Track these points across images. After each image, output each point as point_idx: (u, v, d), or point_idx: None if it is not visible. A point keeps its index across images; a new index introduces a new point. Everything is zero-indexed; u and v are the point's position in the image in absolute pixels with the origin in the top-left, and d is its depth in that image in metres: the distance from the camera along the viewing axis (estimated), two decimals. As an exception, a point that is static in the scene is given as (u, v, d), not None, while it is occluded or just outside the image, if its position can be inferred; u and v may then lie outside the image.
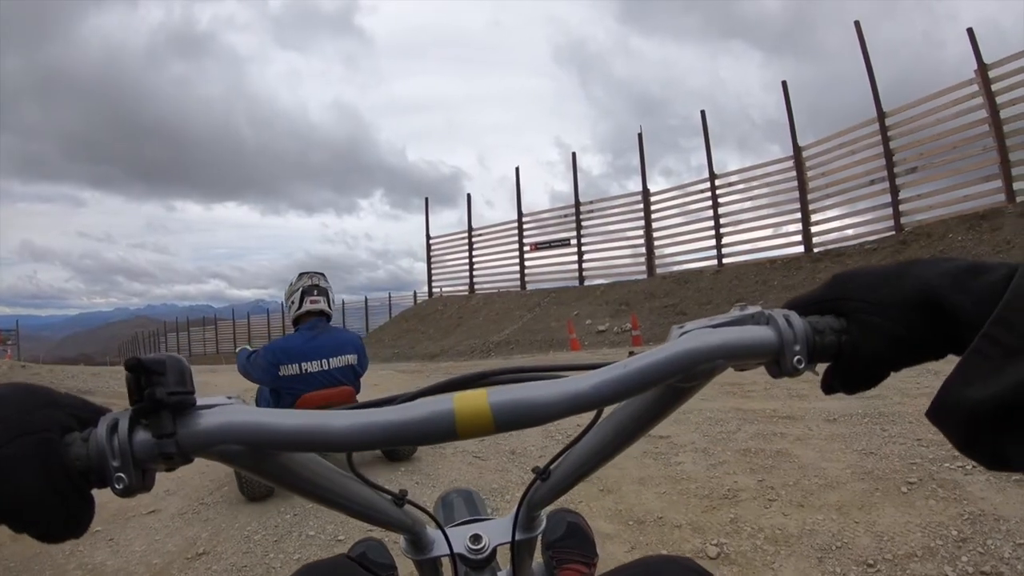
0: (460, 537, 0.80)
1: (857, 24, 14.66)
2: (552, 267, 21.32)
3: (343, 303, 35.10)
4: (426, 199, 25.65)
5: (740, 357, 0.46)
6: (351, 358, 3.87)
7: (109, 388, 9.25)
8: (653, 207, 19.21)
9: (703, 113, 18.10)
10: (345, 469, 0.62)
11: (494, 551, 0.80)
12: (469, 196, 24.07)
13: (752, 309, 0.49)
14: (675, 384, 0.49)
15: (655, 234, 19.05)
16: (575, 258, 20.60)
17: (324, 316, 3.92)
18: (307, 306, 3.87)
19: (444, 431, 0.43)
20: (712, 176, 17.60)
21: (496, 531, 0.81)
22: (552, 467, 0.70)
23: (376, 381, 10.33)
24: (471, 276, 23.47)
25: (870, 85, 14.26)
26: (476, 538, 0.79)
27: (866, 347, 0.45)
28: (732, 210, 17.49)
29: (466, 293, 23.24)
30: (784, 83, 16.11)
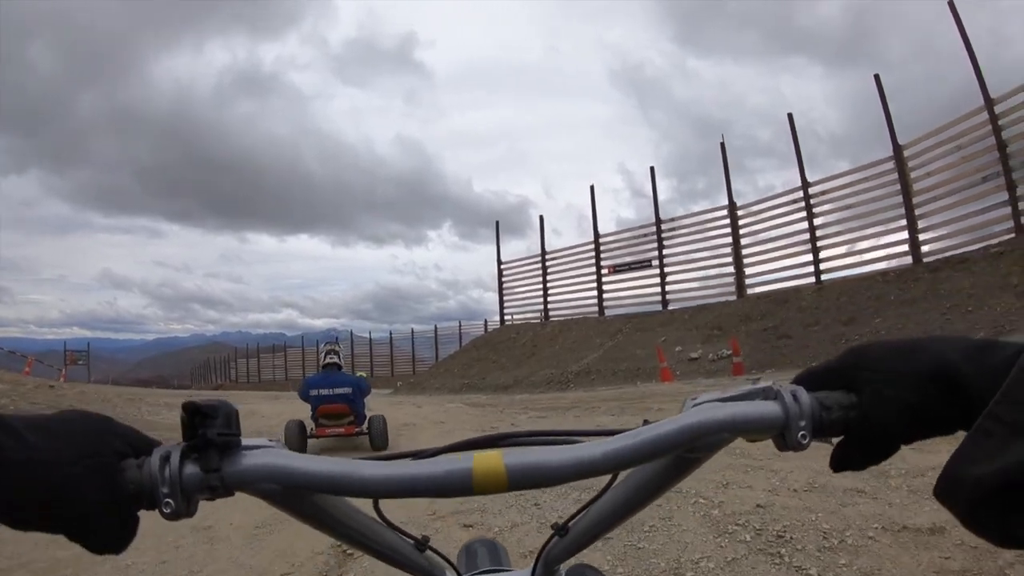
0: None
1: (952, 5, 13.05)
2: (632, 291, 19.93)
3: (412, 332, 35.14)
4: (496, 223, 24.65)
5: (746, 431, 0.48)
6: (346, 389, 6.85)
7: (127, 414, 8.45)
8: (741, 221, 17.67)
9: (791, 116, 16.74)
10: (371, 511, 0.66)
11: None
12: (541, 218, 22.93)
13: (763, 383, 0.50)
14: (683, 454, 0.52)
15: (744, 251, 17.50)
16: (657, 280, 19.16)
17: (336, 366, 7.11)
18: (325, 360, 7.12)
19: (461, 487, 0.47)
20: (805, 184, 16.03)
21: None
22: (571, 524, 0.71)
23: (442, 418, 9.60)
24: (545, 302, 22.22)
25: (973, 70, 12.55)
26: None
27: (876, 418, 0.45)
28: (828, 221, 15.92)
29: (540, 320, 22.00)
30: (877, 76, 14.60)
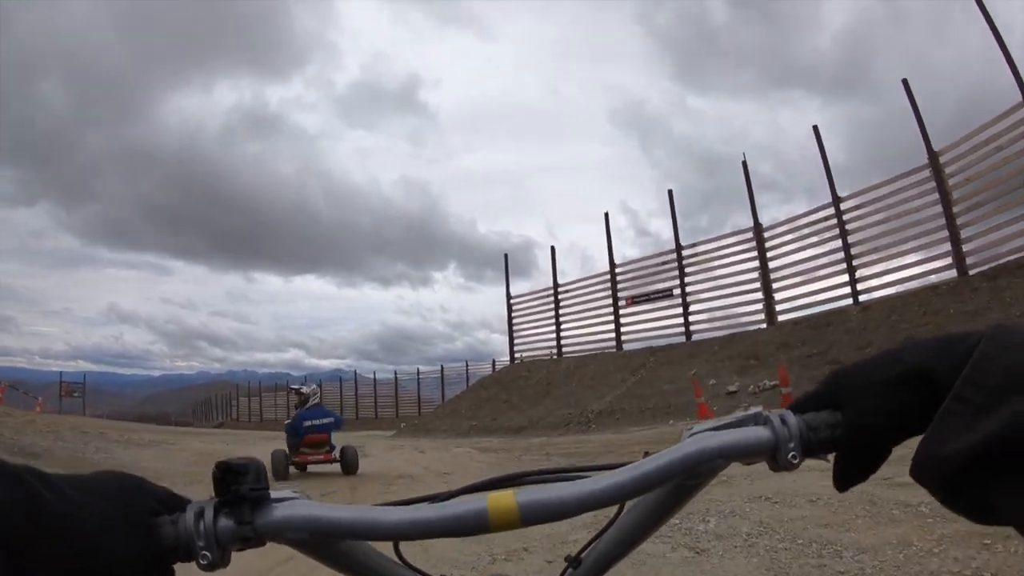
0: None
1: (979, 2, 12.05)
2: (653, 323, 18.52)
3: (418, 371, 33.79)
4: (505, 255, 23.43)
5: (738, 456, 0.51)
6: (329, 420, 8.60)
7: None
8: (769, 243, 16.36)
9: (816, 129, 15.61)
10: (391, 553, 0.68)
11: None
12: (553, 249, 21.60)
13: (753, 410, 0.52)
14: (683, 482, 0.55)
15: (773, 275, 16.15)
16: (679, 311, 17.77)
17: (319, 405, 9.08)
18: (311, 401, 8.93)
19: (478, 527, 0.50)
20: (836, 200, 14.81)
21: None
22: (583, 555, 0.71)
23: (448, 467, 8.34)
24: (558, 338, 20.74)
25: (1007, 64, 11.50)
26: None
27: (860, 430, 0.48)
28: (863, 238, 14.64)
29: (553, 357, 20.52)
30: (905, 81, 13.56)
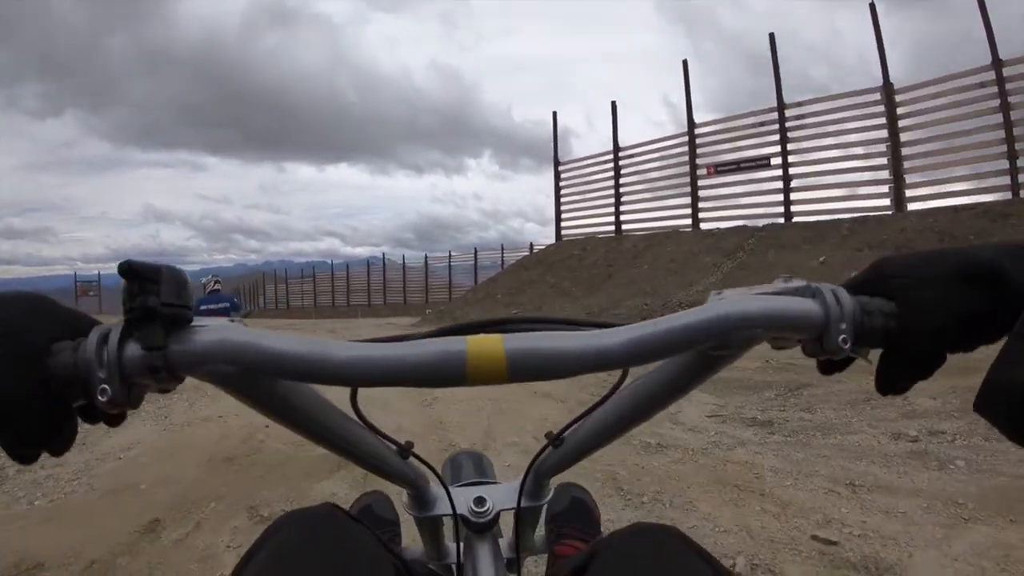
0: (464, 498, 0.76)
1: None
2: (742, 198, 14.68)
3: (450, 255, 30.94)
4: (554, 113, 19.24)
5: (781, 328, 0.44)
6: (223, 305, 8.37)
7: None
8: (901, 108, 12.24)
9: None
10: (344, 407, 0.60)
11: (497, 515, 0.76)
12: (614, 105, 17.41)
13: (797, 282, 0.46)
14: (707, 351, 0.48)
15: (906, 150, 12.13)
16: (779, 185, 13.88)
17: (217, 291, 8.83)
18: (211, 287, 8.80)
19: (453, 374, 0.41)
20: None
21: (501, 495, 0.78)
22: (566, 434, 0.66)
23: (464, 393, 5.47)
24: (617, 212, 16.93)
25: None
26: (480, 500, 0.76)
27: (917, 325, 0.42)
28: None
29: (612, 235, 16.80)
30: None
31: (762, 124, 14.39)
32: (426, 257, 32.03)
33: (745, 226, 13.58)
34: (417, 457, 0.70)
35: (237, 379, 0.44)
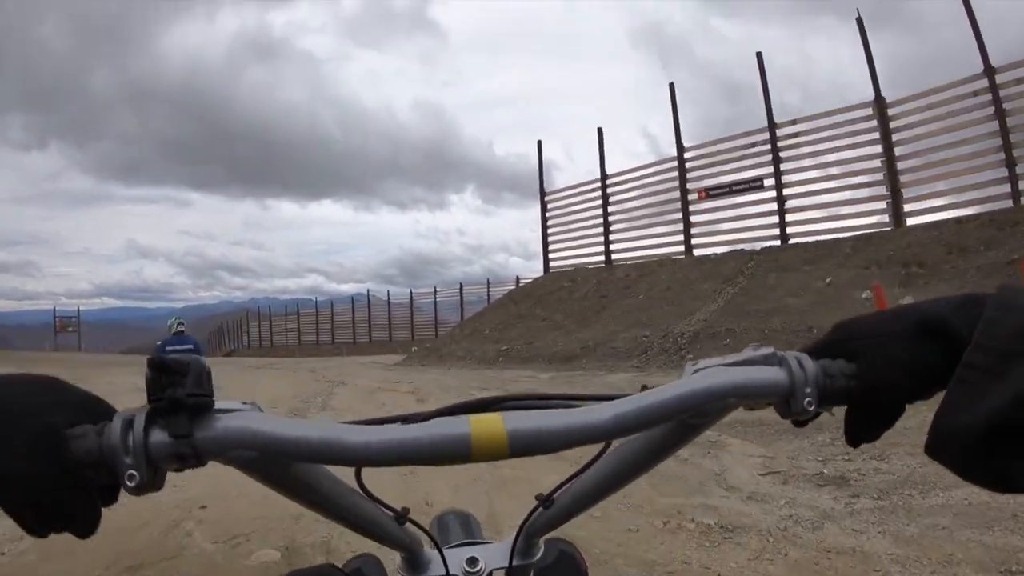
0: (457, 559, 0.77)
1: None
2: (734, 222, 14.14)
3: (435, 290, 30.17)
4: (539, 142, 18.74)
5: (752, 397, 0.47)
6: (187, 346, 8.37)
7: None
8: (894, 121, 11.86)
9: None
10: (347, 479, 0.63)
11: (490, 575, 0.78)
12: (600, 132, 16.91)
13: (765, 350, 0.49)
14: (687, 420, 0.51)
15: (901, 164, 11.72)
16: (773, 207, 13.36)
17: (182, 332, 8.74)
18: (175, 328, 8.75)
19: (459, 453, 0.44)
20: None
21: (493, 555, 0.78)
22: (556, 495, 0.69)
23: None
24: (607, 241, 16.32)
25: None
26: (473, 561, 0.77)
27: (875, 383, 0.45)
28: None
29: (601, 265, 16.15)
30: None
31: (753, 145, 13.93)
32: (411, 293, 31.37)
33: (742, 250, 13.03)
34: (413, 522, 0.72)
35: (256, 462, 0.47)
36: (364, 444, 0.43)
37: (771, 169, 13.52)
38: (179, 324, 9.17)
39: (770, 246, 12.71)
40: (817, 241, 11.77)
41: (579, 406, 0.47)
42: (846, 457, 3.63)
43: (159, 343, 9.22)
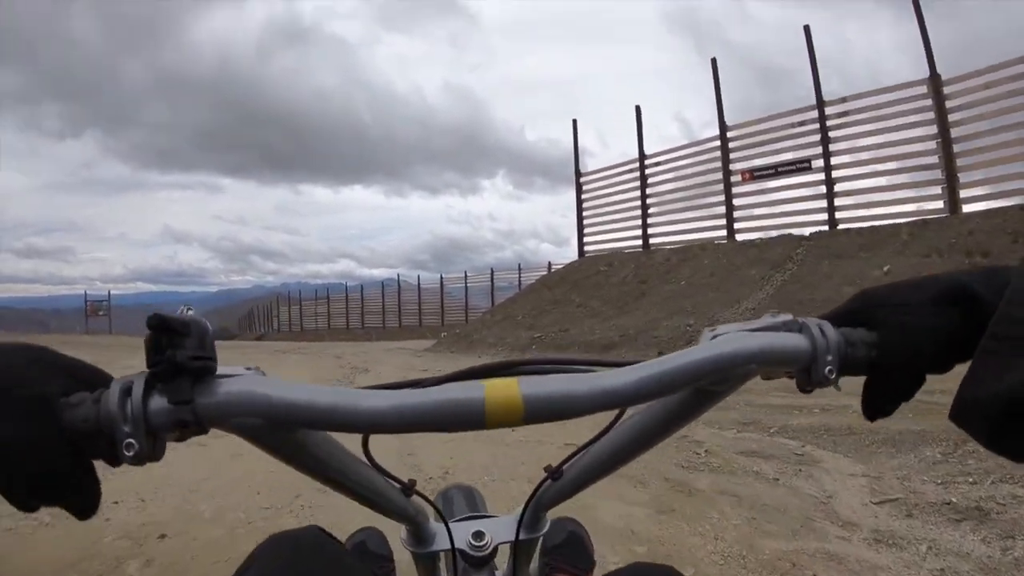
0: (462, 533, 0.77)
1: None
2: (781, 205, 13.48)
3: (466, 275, 29.89)
4: (574, 121, 18.19)
5: (774, 363, 0.47)
6: None
7: None
8: (950, 100, 11.06)
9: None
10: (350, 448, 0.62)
11: (496, 549, 0.77)
12: (638, 110, 16.35)
13: (784, 317, 0.49)
14: (706, 387, 0.50)
15: (957, 146, 10.93)
16: (822, 190, 12.69)
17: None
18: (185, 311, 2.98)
19: (472, 419, 0.43)
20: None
21: (499, 529, 0.78)
22: (565, 467, 0.67)
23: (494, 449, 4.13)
24: (645, 225, 15.76)
25: None
26: (479, 535, 0.76)
27: (898, 349, 0.45)
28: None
29: (639, 249, 15.56)
30: None
31: (801, 123, 13.24)
32: (441, 278, 31.06)
33: (790, 235, 12.38)
34: (419, 494, 0.71)
35: (261, 430, 0.45)
36: (375, 409, 0.42)
37: (819, 150, 12.84)
38: (188, 311, 9.89)
39: (820, 231, 12.05)
40: (872, 227, 11.07)
41: (596, 371, 0.46)
42: (970, 479, 3.07)
43: None
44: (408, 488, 0.68)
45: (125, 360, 8.55)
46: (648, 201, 15.77)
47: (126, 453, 0.38)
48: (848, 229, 11.60)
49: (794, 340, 0.46)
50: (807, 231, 12.29)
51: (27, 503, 0.36)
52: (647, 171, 15.85)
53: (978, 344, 0.41)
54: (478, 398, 0.42)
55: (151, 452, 0.39)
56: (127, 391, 0.38)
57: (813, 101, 12.97)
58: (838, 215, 12.29)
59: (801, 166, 13.23)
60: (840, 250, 10.40)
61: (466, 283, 29.62)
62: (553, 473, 0.67)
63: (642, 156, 15.95)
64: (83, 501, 0.38)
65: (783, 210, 13.41)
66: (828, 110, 12.81)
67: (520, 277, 26.01)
